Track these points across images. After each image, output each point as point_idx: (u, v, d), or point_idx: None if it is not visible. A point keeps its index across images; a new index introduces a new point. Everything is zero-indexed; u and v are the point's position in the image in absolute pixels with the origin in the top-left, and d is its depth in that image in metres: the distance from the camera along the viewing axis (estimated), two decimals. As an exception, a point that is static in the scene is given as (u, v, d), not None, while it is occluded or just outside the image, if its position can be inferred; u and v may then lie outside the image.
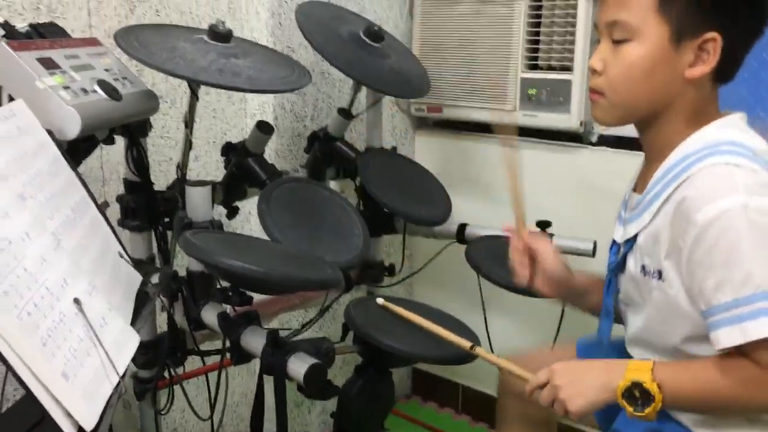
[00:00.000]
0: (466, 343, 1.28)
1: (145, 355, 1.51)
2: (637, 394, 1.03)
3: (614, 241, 1.24)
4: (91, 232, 1.02)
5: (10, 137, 0.91)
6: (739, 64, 1.13)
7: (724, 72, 1.11)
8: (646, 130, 1.17)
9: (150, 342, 1.52)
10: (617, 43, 1.10)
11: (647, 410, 1.02)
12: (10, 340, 0.70)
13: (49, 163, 0.99)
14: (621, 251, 1.20)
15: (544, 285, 1.32)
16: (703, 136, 1.09)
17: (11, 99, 1.10)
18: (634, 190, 1.22)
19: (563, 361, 1.14)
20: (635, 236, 1.15)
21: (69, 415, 0.73)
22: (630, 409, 1.04)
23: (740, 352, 1.00)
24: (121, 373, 0.82)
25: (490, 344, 1.72)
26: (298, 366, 1.14)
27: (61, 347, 0.77)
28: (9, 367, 0.69)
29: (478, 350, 1.27)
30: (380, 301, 1.40)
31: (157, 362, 1.52)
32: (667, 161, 1.10)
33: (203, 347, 1.50)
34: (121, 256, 1.05)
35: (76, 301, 0.83)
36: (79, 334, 0.81)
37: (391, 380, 1.60)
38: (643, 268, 1.13)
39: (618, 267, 1.21)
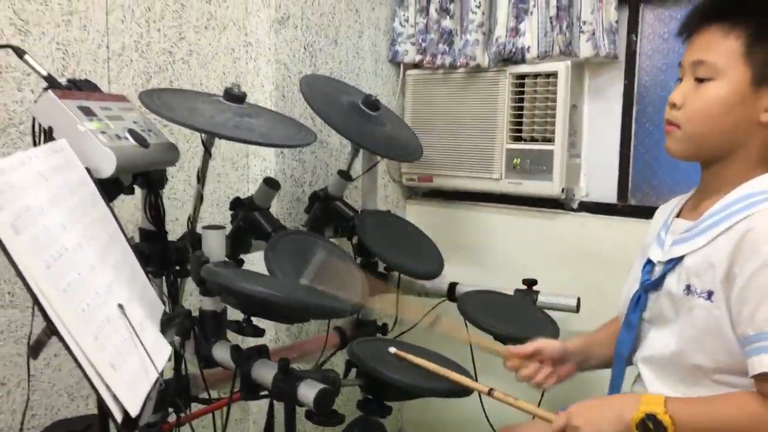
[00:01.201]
0: (484, 388, 1.31)
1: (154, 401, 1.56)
2: (650, 425, 1.08)
3: (648, 261, 1.30)
4: (124, 258, 1.11)
5: (60, 167, 1.02)
6: None
7: None
8: (711, 166, 1.24)
9: (161, 389, 1.57)
10: (700, 81, 1.19)
11: None
12: (71, 329, 0.79)
13: (89, 195, 1.10)
14: (657, 270, 1.26)
15: (563, 369, 1.41)
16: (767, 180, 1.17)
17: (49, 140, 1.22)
18: (678, 216, 1.30)
19: (580, 402, 1.19)
20: (680, 257, 1.21)
21: (117, 400, 0.81)
22: None
23: (756, 382, 1.07)
24: (160, 370, 0.90)
25: (480, 398, 1.79)
26: (308, 391, 1.21)
27: (109, 342, 0.85)
28: (70, 352, 0.78)
29: (497, 394, 1.29)
30: (392, 350, 1.46)
31: (163, 407, 1.57)
32: (730, 195, 1.18)
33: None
34: (151, 281, 1.15)
35: (120, 306, 0.92)
36: (123, 335, 0.90)
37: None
38: (688, 287, 1.18)
39: (652, 285, 1.26)
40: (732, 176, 1.20)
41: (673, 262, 1.22)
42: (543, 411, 1.23)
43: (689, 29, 1.23)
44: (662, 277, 1.24)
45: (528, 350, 1.40)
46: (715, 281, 1.13)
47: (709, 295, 1.14)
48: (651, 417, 1.08)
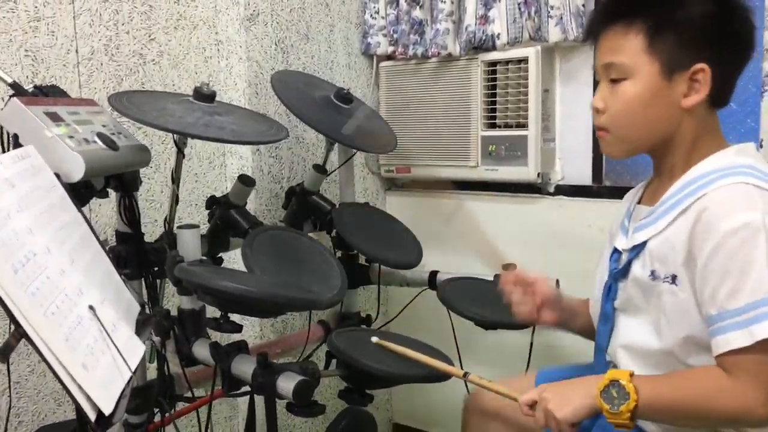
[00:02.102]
0: (459, 372, 1.36)
1: (135, 399, 1.57)
2: (614, 392, 1.10)
3: (615, 249, 1.32)
4: (96, 260, 1.12)
5: (27, 173, 1.03)
6: (732, 88, 1.23)
7: (719, 97, 1.21)
8: (656, 155, 1.27)
9: (140, 387, 1.58)
10: (614, 82, 1.22)
11: (622, 407, 1.09)
12: (40, 332, 0.80)
13: (58, 199, 1.11)
14: (624, 258, 1.28)
15: (548, 314, 1.43)
16: (721, 158, 1.18)
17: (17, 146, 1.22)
18: (639, 202, 1.33)
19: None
20: (644, 243, 1.23)
21: (90, 400, 0.82)
22: (606, 407, 1.11)
23: (720, 360, 1.09)
24: (133, 369, 0.91)
25: (467, 388, 1.81)
26: (287, 383, 1.23)
27: (80, 344, 0.86)
28: (40, 354, 0.79)
29: (471, 377, 1.34)
30: (374, 339, 1.49)
31: (148, 407, 1.59)
32: (683, 178, 1.20)
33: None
34: (125, 283, 1.15)
35: (91, 308, 0.93)
36: (95, 335, 0.91)
37: (374, 422, 1.69)
38: (653, 272, 1.20)
39: (620, 273, 1.28)
40: (677, 160, 1.23)
41: (637, 249, 1.24)
42: (514, 392, 1.26)
43: (593, 34, 1.26)
44: (628, 264, 1.26)
45: (528, 278, 1.44)
46: (677, 264, 1.15)
47: (673, 278, 1.16)
48: (615, 383, 1.11)
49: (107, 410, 0.83)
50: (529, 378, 1.53)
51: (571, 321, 1.47)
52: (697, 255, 1.11)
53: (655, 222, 1.21)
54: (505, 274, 1.47)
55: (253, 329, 2.17)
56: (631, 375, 1.12)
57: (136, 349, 1.01)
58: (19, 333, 0.78)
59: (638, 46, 1.19)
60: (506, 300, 1.45)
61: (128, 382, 0.91)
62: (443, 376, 1.40)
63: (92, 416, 0.81)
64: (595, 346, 1.37)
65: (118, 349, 0.91)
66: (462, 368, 1.84)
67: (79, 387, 0.81)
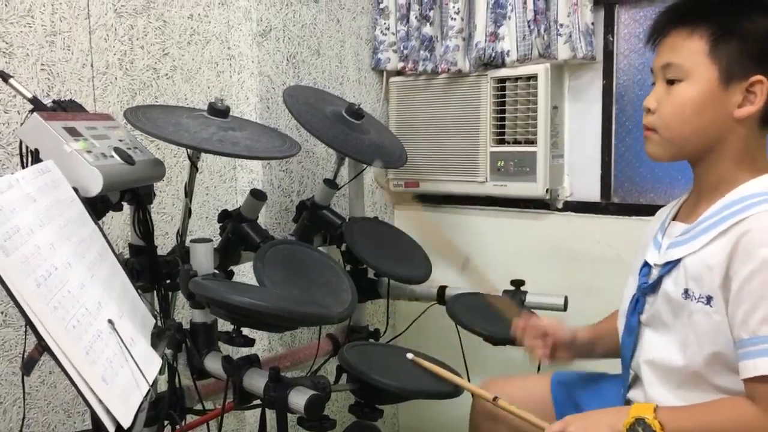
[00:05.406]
0: (489, 396, 1.37)
1: (146, 412, 1.58)
2: (640, 430, 1.12)
3: (645, 263, 1.31)
4: (113, 274, 1.13)
5: (48, 187, 1.05)
6: None
7: None
8: (698, 166, 1.26)
9: (151, 400, 1.59)
10: (670, 83, 1.21)
11: None
12: (62, 345, 0.81)
13: (77, 213, 1.12)
14: (654, 273, 1.28)
15: (562, 353, 1.46)
16: (764, 182, 1.18)
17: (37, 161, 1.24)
18: (675, 218, 1.32)
19: (575, 414, 1.23)
20: (678, 260, 1.22)
21: (109, 413, 0.83)
22: None
23: (748, 387, 1.10)
24: (150, 382, 0.93)
25: (473, 396, 1.82)
26: (299, 398, 1.24)
27: (100, 357, 0.88)
28: (62, 367, 0.80)
29: (500, 402, 1.35)
30: (410, 356, 1.52)
31: (158, 420, 1.59)
32: (725, 198, 1.19)
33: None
34: (141, 296, 1.17)
35: (110, 321, 0.94)
36: (114, 349, 0.92)
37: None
38: (686, 291, 1.19)
39: (650, 288, 1.28)
40: (722, 175, 1.22)
41: (670, 265, 1.23)
42: (541, 421, 1.27)
43: (656, 34, 1.26)
44: (659, 280, 1.25)
45: (539, 330, 1.46)
46: (713, 286, 1.14)
47: (708, 300, 1.15)
48: (641, 421, 1.12)
49: (126, 423, 0.84)
50: (544, 379, 1.54)
51: (591, 352, 1.49)
52: (733, 278, 1.11)
53: (691, 240, 1.20)
54: (516, 321, 1.50)
55: (261, 342, 2.18)
56: (655, 410, 1.13)
57: (153, 363, 1.02)
58: (41, 346, 0.80)
59: (700, 49, 1.18)
60: (520, 344, 1.49)
61: (146, 395, 0.92)
62: (452, 393, 1.41)
63: (111, 429, 0.82)
64: (621, 357, 1.37)
65: (136, 363, 0.92)
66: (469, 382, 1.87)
67: (99, 400, 0.82)
